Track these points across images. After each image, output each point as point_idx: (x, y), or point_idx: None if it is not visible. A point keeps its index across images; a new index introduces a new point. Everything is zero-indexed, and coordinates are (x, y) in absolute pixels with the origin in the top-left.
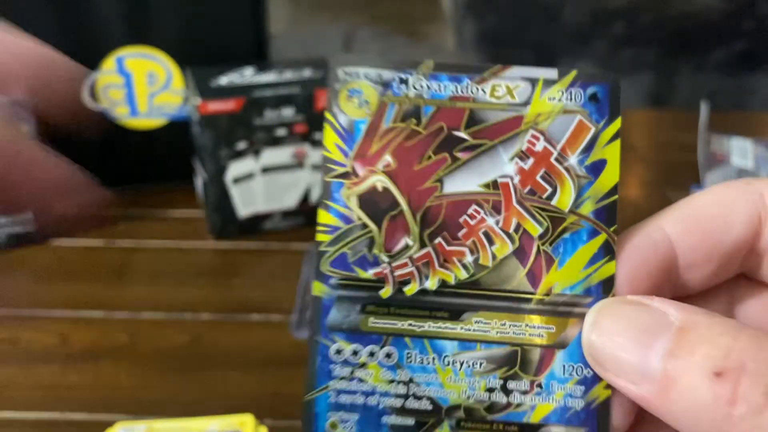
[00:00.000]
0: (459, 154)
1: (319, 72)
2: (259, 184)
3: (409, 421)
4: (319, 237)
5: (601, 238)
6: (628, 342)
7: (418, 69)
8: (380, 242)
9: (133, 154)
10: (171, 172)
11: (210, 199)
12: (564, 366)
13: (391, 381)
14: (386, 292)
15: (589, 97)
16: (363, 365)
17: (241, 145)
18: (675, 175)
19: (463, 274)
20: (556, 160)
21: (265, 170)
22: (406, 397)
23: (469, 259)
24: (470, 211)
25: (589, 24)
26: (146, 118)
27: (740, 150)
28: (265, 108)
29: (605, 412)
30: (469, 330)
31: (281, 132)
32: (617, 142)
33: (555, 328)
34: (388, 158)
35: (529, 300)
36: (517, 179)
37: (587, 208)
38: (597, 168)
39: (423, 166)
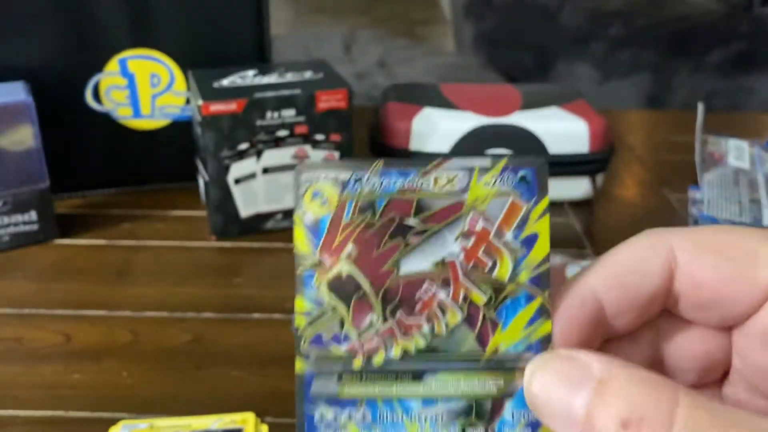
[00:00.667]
0: (411, 239)
1: (320, 74)
2: (260, 185)
3: None
4: (298, 321)
5: (537, 302)
6: (559, 392)
7: (370, 168)
8: (349, 321)
9: (136, 154)
10: (173, 173)
11: (212, 199)
12: (513, 413)
13: None
14: (358, 363)
15: (519, 180)
16: (343, 427)
17: (243, 146)
18: (673, 176)
19: (422, 343)
20: (495, 237)
21: (267, 171)
22: None
23: (426, 329)
24: (424, 287)
25: (587, 26)
26: (149, 119)
27: (737, 150)
28: (267, 109)
29: None
30: (430, 389)
31: (282, 133)
32: (546, 217)
33: (503, 382)
34: (350, 248)
35: (479, 360)
36: (461, 257)
37: (524, 277)
38: (530, 241)
39: (381, 252)
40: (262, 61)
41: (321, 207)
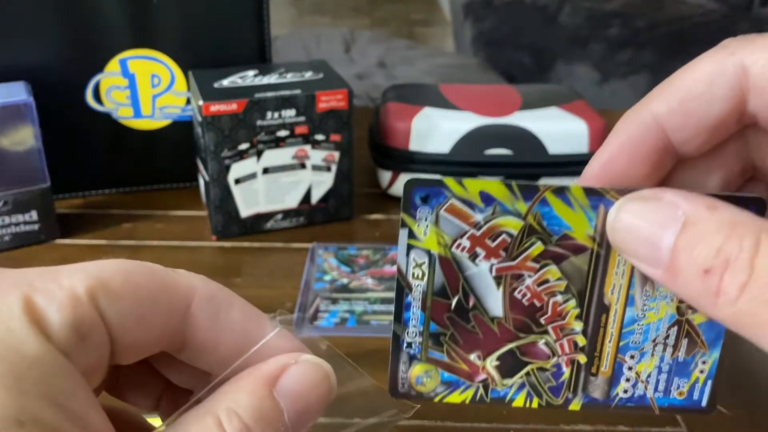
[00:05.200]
0: (472, 317)
1: (320, 74)
2: (260, 185)
3: None
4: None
5: (575, 191)
6: (644, 234)
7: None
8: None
9: (137, 154)
10: (174, 173)
11: (212, 199)
12: None
13: None
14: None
15: (421, 200)
16: None
17: (243, 146)
18: None
19: (579, 323)
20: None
21: (267, 171)
22: None
23: (564, 299)
24: (521, 299)
25: (586, 26)
26: (150, 120)
27: None
28: (267, 109)
29: None
30: (645, 318)
31: (283, 133)
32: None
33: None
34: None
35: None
36: (492, 264)
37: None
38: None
39: (474, 342)
40: (263, 62)
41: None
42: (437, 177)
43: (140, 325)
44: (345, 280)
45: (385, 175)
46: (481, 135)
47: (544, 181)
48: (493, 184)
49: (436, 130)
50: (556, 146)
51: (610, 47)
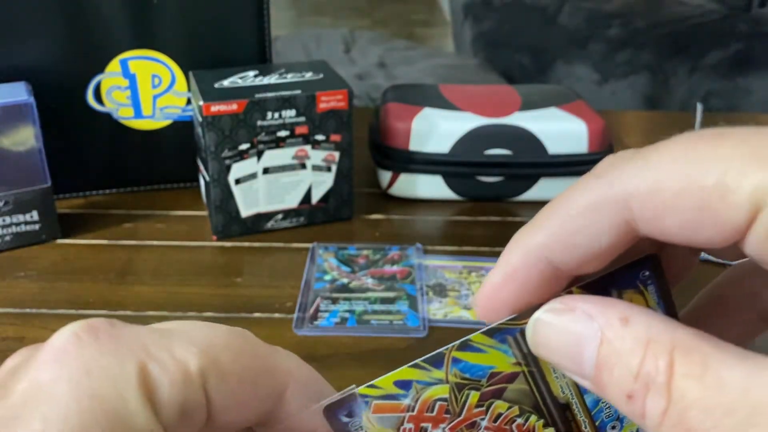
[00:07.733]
0: None
1: (320, 74)
2: (261, 185)
3: None
4: None
5: (478, 337)
6: (563, 350)
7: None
8: None
9: (138, 155)
10: (174, 173)
11: (213, 199)
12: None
13: None
14: None
15: (347, 416)
16: None
17: (244, 146)
18: None
19: (550, 429)
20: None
21: (267, 171)
22: None
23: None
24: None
25: (585, 27)
26: (150, 120)
27: None
28: (267, 110)
29: None
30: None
31: (283, 133)
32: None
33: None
34: None
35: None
36: (430, 427)
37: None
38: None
39: None
40: (263, 62)
41: None
42: (348, 392)
43: (238, 407)
44: (345, 280)
45: (385, 175)
46: (481, 135)
47: (542, 183)
48: (402, 372)
49: (435, 131)
50: (555, 146)
51: (610, 47)
